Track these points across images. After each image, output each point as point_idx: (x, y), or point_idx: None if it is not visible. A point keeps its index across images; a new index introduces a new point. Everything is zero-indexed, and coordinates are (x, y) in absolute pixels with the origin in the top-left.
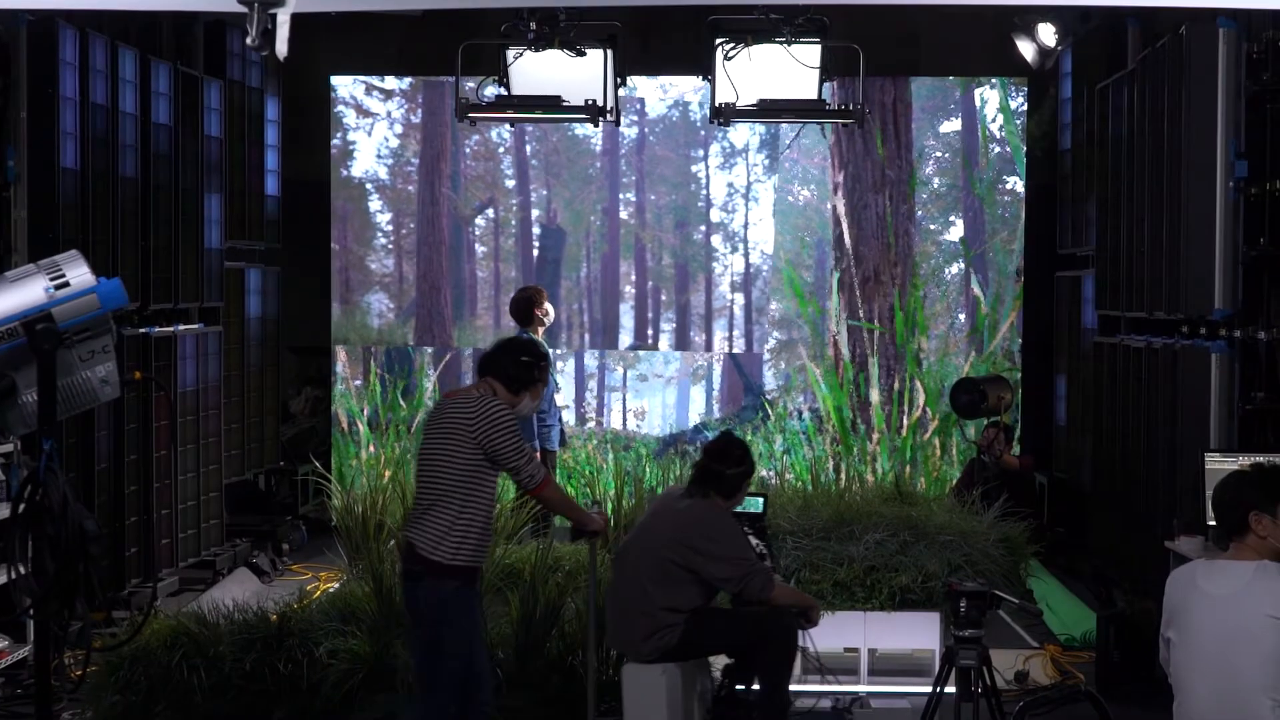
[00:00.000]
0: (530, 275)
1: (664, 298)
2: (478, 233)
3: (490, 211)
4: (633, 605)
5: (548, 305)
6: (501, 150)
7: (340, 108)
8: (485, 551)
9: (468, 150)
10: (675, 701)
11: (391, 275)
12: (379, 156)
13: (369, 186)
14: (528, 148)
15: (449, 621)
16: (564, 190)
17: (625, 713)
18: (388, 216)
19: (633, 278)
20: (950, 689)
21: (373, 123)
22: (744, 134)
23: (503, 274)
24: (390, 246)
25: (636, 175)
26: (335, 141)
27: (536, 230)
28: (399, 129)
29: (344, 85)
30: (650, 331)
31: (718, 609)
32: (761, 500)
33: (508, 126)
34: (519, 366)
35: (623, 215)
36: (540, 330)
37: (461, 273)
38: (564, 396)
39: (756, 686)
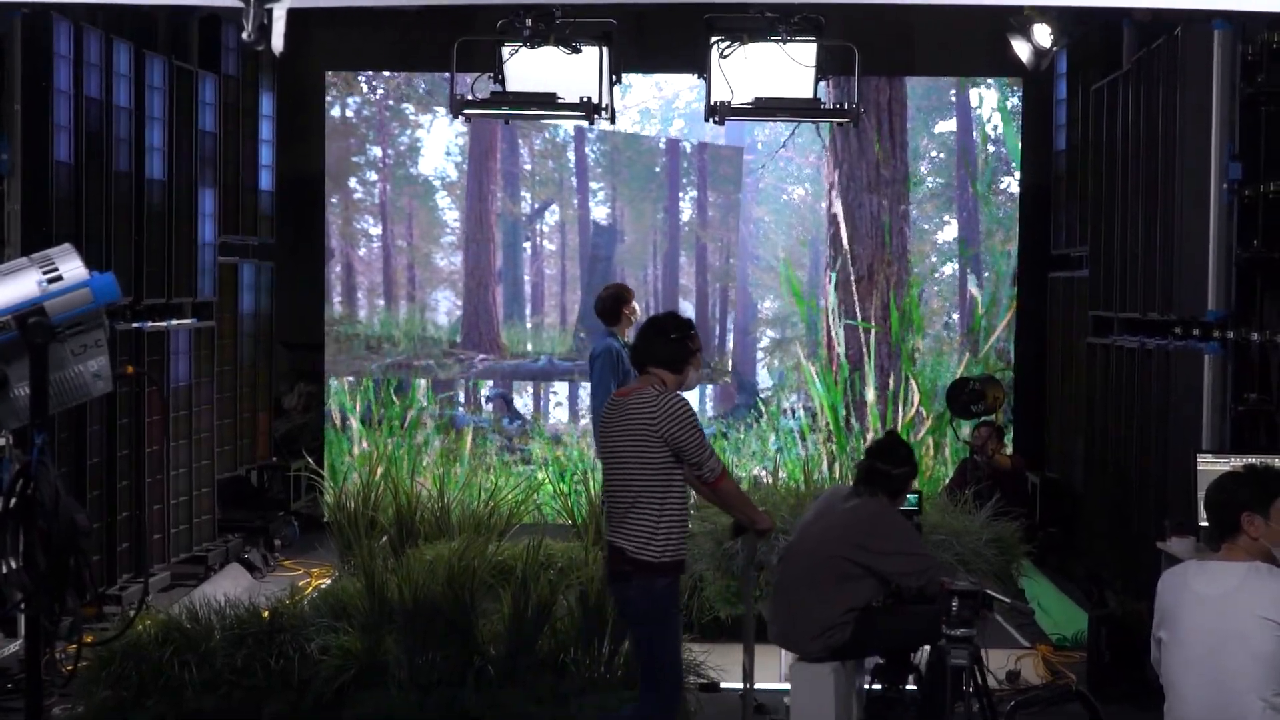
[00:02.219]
0: (584, 275)
1: (732, 296)
2: (546, 230)
3: (557, 210)
4: (803, 604)
5: (634, 303)
6: (568, 151)
7: (405, 105)
8: (686, 544)
9: (527, 150)
10: (843, 700)
11: (459, 272)
12: (447, 154)
13: (436, 183)
14: (590, 147)
15: (665, 617)
16: (626, 189)
17: (792, 711)
18: (454, 214)
19: (688, 279)
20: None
21: (433, 119)
22: None
23: (554, 273)
24: (457, 244)
25: (699, 174)
26: (403, 139)
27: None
28: (460, 125)
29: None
30: (716, 329)
31: (886, 608)
32: (915, 497)
33: (569, 126)
34: (671, 346)
35: (688, 214)
36: (628, 329)
37: (518, 271)
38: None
39: (910, 686)
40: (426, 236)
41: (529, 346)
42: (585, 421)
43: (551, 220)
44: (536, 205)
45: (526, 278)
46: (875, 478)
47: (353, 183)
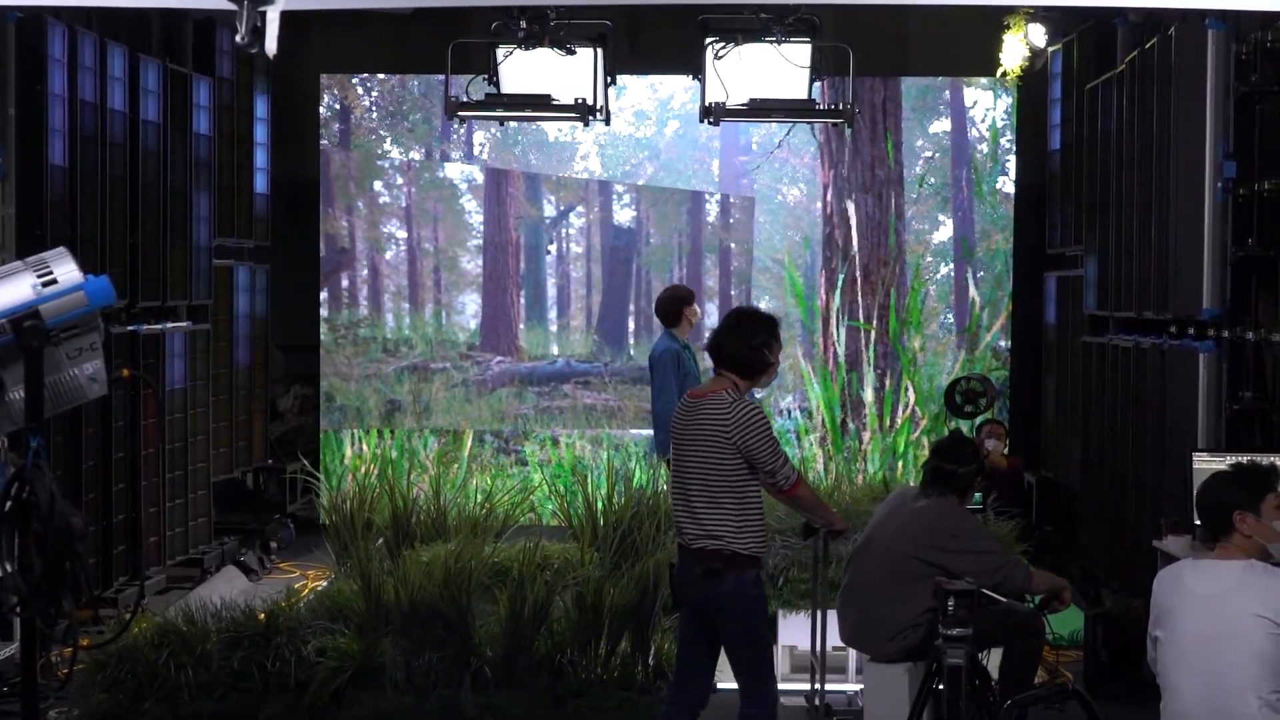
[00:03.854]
0: (604, 277)
1: (765, 297)
2: (572, 233)
3: (583, 212)
4: (875, 605)
5: (695, 305)
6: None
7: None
8: (767, 536)
9: (554, 154)
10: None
11: (484, 274)
12: (472, 158)
13: (463, 187)
14: (605, 150)
15: (760, 609)
16: (649, 193)
17: (866, 712)
18: (480, 217)
19: (713, 280)
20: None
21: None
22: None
23: (580, 276)
24: (484, 247)
25: (722, 173)
26: (434, 142)
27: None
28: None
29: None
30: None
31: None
32: (979, 495)
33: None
34: (750, 353)
35: (713, 215)
36: (688, 331)
37: (540, 274)
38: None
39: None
40: (453, 240)
41: (554, 349)
42: (557, 425)
43: (578, 223)
44: (561, 208)
45: (552, 280)
46: (941, 477)
47: (378, 186)
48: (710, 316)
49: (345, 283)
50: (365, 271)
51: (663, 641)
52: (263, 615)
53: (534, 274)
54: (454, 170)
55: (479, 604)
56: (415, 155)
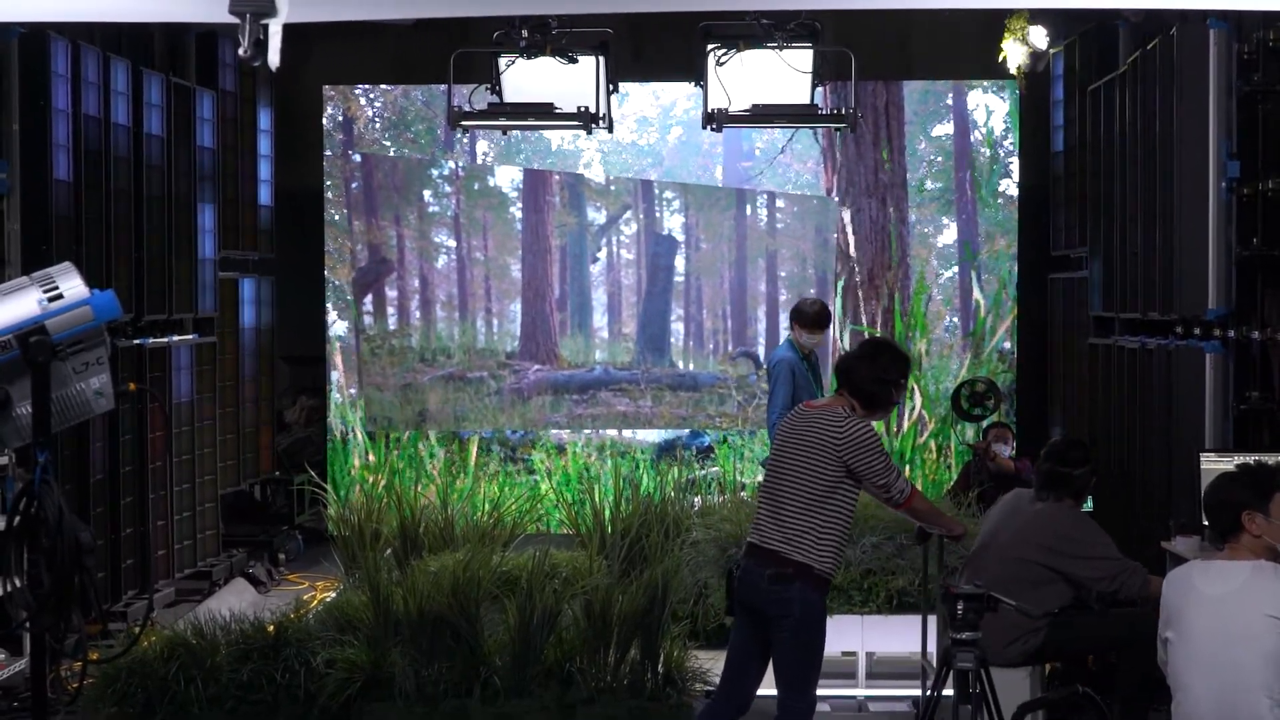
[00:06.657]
0: (646, 284)
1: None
2: (625, 240)
3: (630, 218)
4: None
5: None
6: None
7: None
8: (842, 560)
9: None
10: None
11: (523, 282)
12: (472, 159)
13: (513, 195)
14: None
15: (818, 621)
16: (694, 198)
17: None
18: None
19: (764, 285)
20: (948, 691)
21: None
22: None
23: (630, 283)
24: (522, 255)
25: (726, 179)
26: (485, 149)
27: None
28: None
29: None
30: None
31: (1081, 611)
32: (1090, 499)
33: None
34: (875, 385)
35: (761, 220)
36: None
37: (584, 281)
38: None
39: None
40: (502, 248)
41: (596, 356)
42: (588, 430)
43: (629, 231)
44: (609, 215)
45: (602, 287)
46: (1057, 481)
47: (427, 195)
48: (759, 322)
49: (394, 292)
50: (416, 281)
51: (672, 649)
52: (272, 627)
53: (578, 281)
54: (504, 178)
55: (488, 613)
56: (438, 164)
